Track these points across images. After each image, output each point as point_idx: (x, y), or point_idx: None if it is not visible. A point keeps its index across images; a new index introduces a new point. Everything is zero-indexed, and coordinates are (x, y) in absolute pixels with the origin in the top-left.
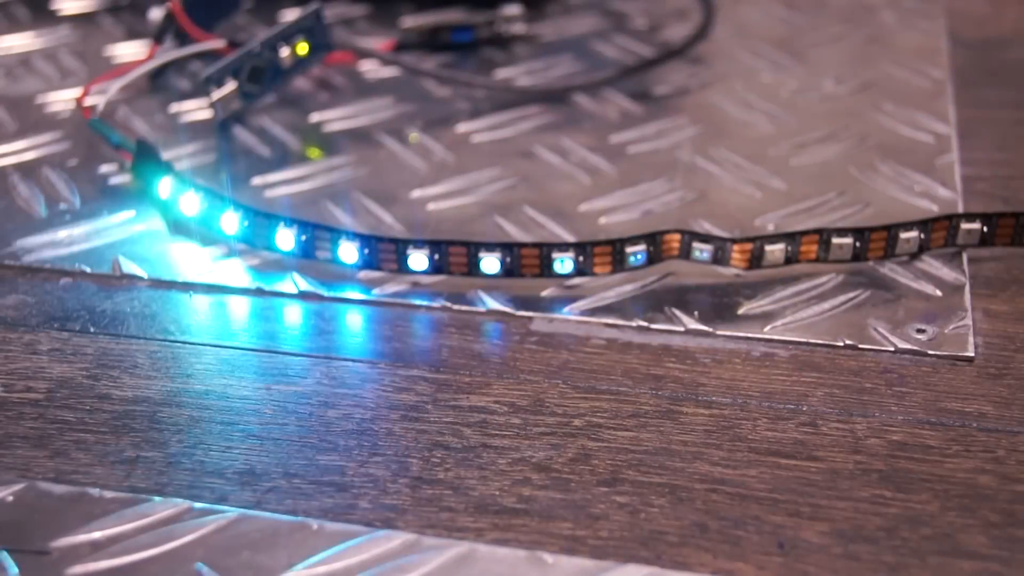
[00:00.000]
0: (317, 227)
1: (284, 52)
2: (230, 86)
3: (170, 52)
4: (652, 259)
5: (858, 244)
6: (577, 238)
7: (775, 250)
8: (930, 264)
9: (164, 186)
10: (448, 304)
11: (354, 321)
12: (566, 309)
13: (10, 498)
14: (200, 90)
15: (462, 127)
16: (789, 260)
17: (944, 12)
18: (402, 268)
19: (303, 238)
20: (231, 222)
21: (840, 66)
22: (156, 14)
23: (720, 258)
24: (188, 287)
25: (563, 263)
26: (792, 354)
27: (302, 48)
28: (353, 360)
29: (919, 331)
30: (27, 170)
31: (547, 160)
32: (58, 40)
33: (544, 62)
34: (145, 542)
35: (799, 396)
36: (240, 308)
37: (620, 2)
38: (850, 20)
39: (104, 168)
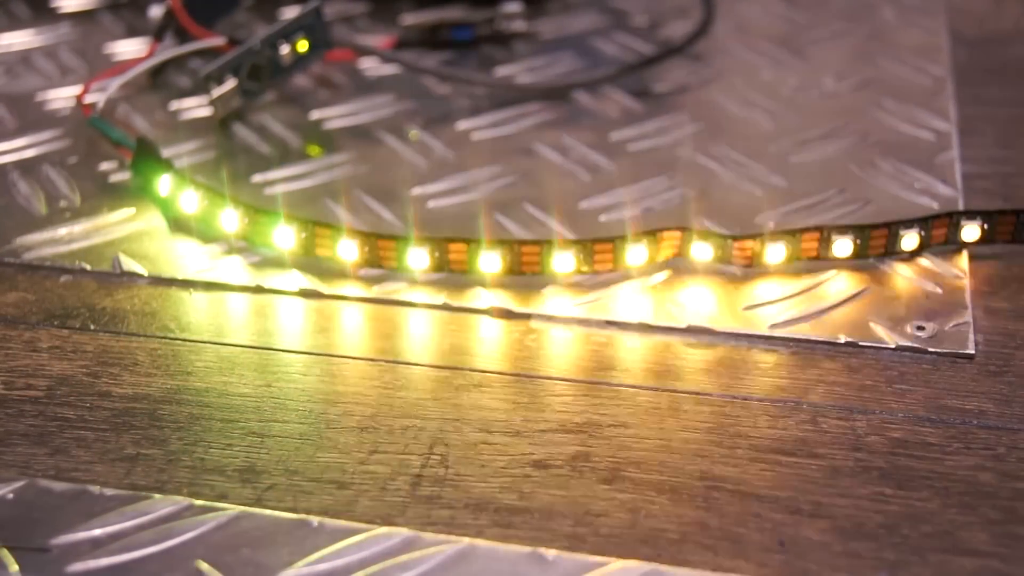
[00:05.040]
0: (317, 224)
1: (284, 49)
2: (230, 83)
3: (170, 50)
4: (652, 257)
5: (859, 241)
6: (577, 235)
7: (775, 247)
8: (930, 261)
9: (164, 183)
10: (448, 302)
11: (354, 318)
12: (566, 307)
13: (10, 495)
14: (200, 87)
15: (462, 124)
16: (789, 257)
17: (944, 9)
18: (402, 265)
19: (303, 235)
20: (231, 219)
21: (840, 63)
22: (156, 11)
23: (720, 255)
24: (188, 284)
25: (563, 260)
26: (793, 351)
27: (302, 45)
28: (353, 357)
29: (919, 328)
30: (27, 168)
31: (547, 157)
32: (58, 37)
33: (544, 59)
34: (145, 539)
35: (800, 393)
36: (240, 305)
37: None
38: (850, 17)
39: (104, 166)
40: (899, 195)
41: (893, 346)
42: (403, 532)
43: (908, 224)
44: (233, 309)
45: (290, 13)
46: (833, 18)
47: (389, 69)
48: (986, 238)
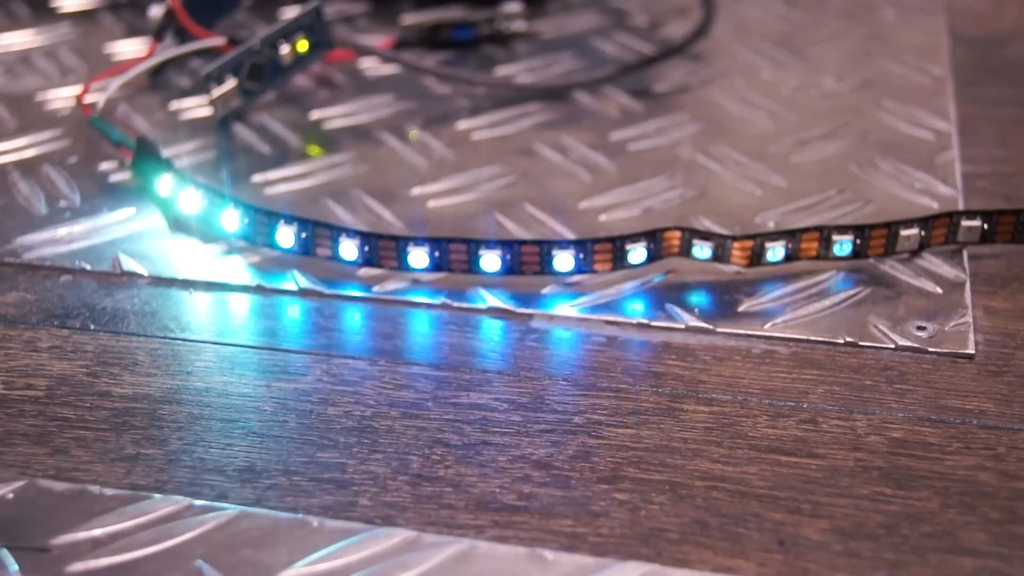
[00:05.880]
0: (317, 224)
1: (284, 49)
2: (230, 83)
3: (170, 49)
4: (652, 256)
5: (858, 241)
6: (577, 235)
7: (775, 247)
8: (930, 261)
9: (164, 183)
10: (448, 301)
11: (354, 318)
12: (566, 306)
13: (10, 495)
14: (200, 87)
15: (462, 124)
16: (789, 257)
17: (944, 9)
18: (402, 265)
19: (303, 235)
20: (231, 219)
21: (840, 63)
22: (156, 11)
23: (720, 255)
24: (188, 284)
25: (563, 260)
26: (792, 351)
27: (302, 45)
28: (353, 357)
29: (919, 328)
30: (27, 167)
31: (547, 157)
32: (58, 37)
33: (544, 59)
34: (145, 539)
35: (799, 393)
36: (240, 305)
37: None
38: (850, 17)
39: (104, 165)
40: (899, 195)
41: (893, 346)
42: (403, 532)
43: (908, 224)
44: (233, 309)
45: (290, 13)
46: (833, 18)
47: (389, 69)
48: (986, 238)
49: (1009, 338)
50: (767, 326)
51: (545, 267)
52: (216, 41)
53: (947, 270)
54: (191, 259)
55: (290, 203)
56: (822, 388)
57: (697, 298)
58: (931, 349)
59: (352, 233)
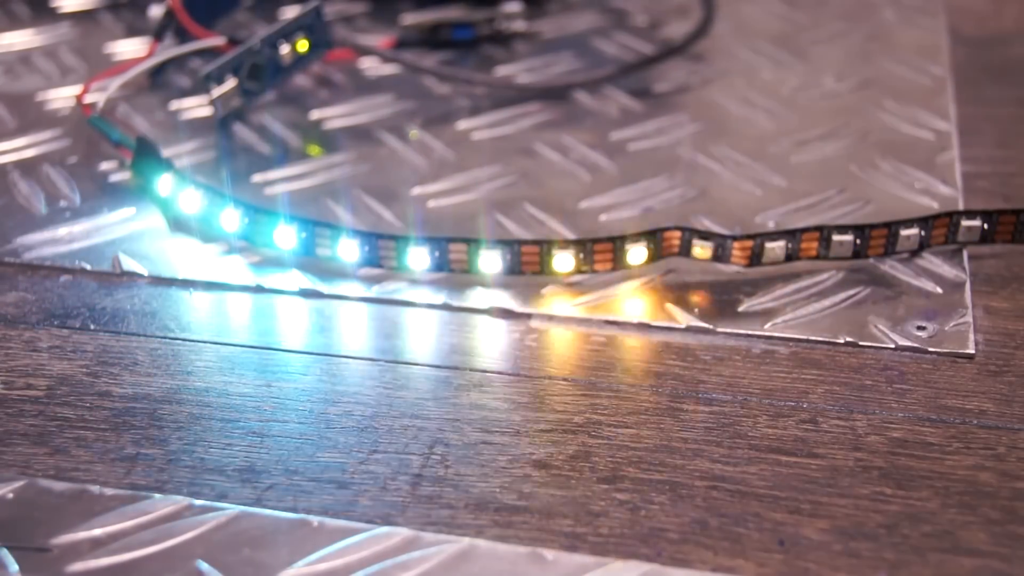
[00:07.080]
0: (317, 224)
1: (284, 49)
2: (230, 83)
3: (170, 49)
4: (652, 256)
5: (859, 241)
6: (577, 235)
7: (775, 247)
8: (931, 261)
9: (164, 183)
10: (448, 301)
11: (354, 318)
12: (566, 306)
13: (10, 495)
14: (200, 87)
15: (462, 124)
16: (790, 257)
17: (944, 9)
18: (402, 265)
19: (303, 235)
20: (231, 219)
21: (841, 63)
22: (156, 11)
23: (720, 255)
24: (188, 284)
25: (563, 260)
26: (792, 351)
27: (302, 45)
28: (353, 357)
29: (920, 328)
30: (27, 167)
31: (547, 157)
32: (58, 37)
33: (544, 59)
34: (145, 539)
35: (799, 393)
36: (240, 305)
37: None
38: (851, 17)
39: (104, 165)
40: (899, 195)
41: (893, 346)
42: (403, 532)
43: (908, 224)
44: (233, 309)
45: (290, 13)
46: (833, 18)
47: (389, 69)
48: (986, 238)
49: (1009, 338)
50: (767, 326)
51: (545, 267)
52: (216, 41)
53: (947, 270)
54: (191, 259)
55: (290, 203)
56: (822, 388)
57: (697, 298)
58: (931, 349)
59: (352, 233)
